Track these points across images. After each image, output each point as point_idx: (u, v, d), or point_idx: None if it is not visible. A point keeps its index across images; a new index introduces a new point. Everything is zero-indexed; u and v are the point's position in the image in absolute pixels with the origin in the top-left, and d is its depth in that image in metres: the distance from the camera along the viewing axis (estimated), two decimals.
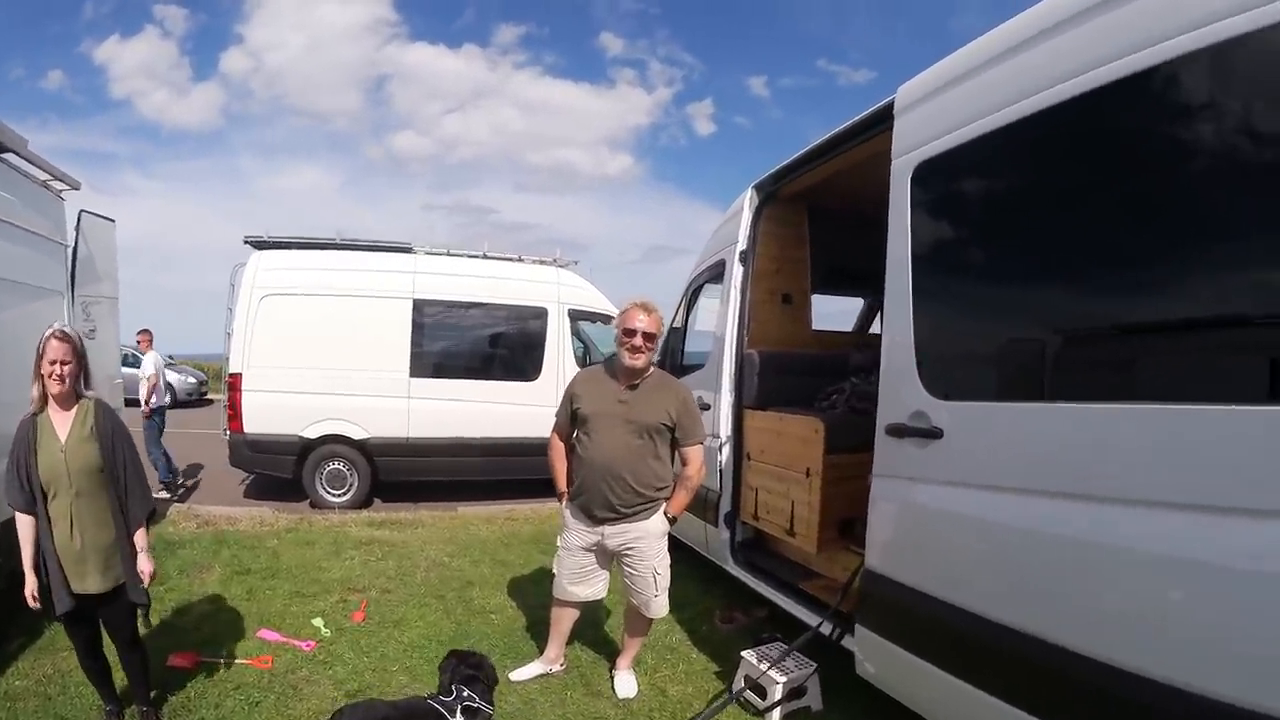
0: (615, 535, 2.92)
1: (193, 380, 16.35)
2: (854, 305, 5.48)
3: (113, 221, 5.76)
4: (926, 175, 2.38)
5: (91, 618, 2.49)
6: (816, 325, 4.61)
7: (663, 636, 3.64)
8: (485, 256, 7.49)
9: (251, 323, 6.53)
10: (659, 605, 3.03)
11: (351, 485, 6.81)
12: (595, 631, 3.68)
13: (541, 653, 3.31)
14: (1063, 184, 2.01)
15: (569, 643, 3.32)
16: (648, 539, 2.93)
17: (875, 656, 2.53)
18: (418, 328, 6.92)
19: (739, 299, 4.05)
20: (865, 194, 3.57)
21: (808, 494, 3.43)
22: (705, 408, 3.97)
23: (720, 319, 4.20)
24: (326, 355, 6.59)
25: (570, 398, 2.99)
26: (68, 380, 2.35)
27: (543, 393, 7.01)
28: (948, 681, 2.13)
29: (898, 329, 2.44)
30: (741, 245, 4.05)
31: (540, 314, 7.36)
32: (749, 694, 2.96)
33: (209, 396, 16.22)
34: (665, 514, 2.95)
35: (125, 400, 6.12)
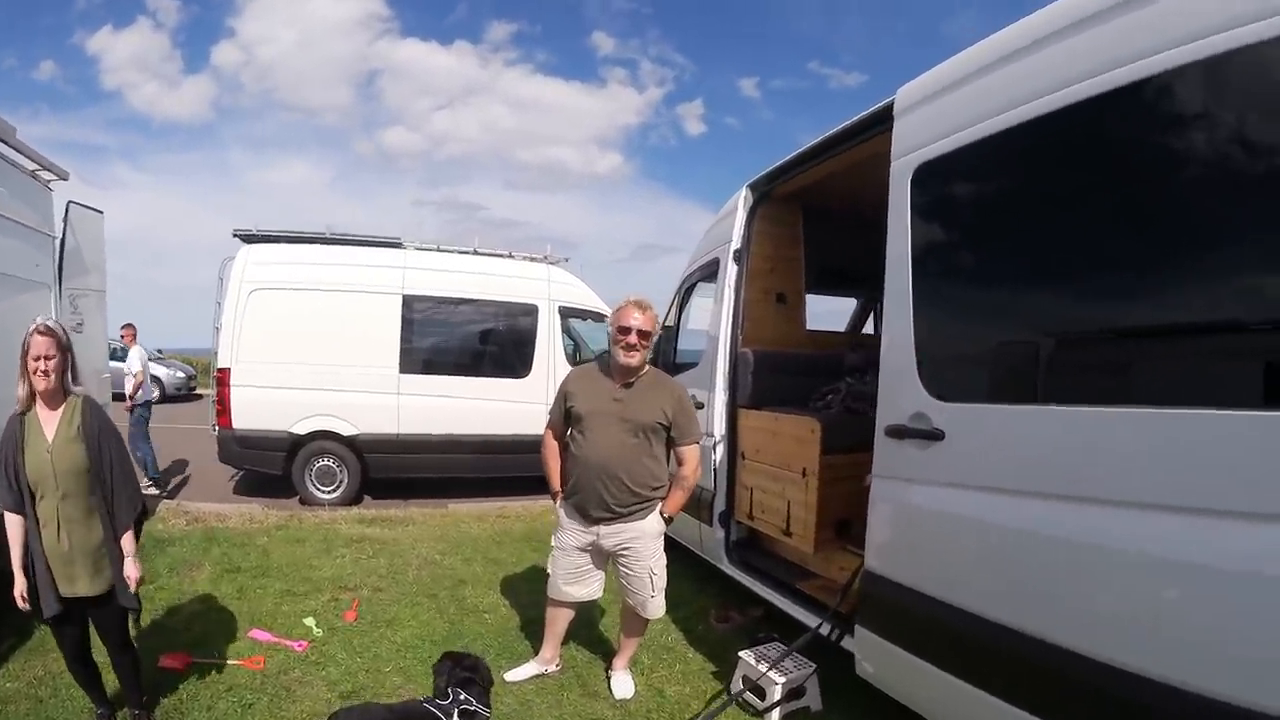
0: (611, 535, 2.90)
1: (181, 375, 16.20)
2: (845, 305, 5.51)
3: (101, 213, 5.68)
4: (926, 177, 2.38)
5: (80, 620, 2.45)
6: (810, 325, 4.62)
7: (658, 636, 3.63)
8: (476, 252, 7.44)
9: (240, 317, 6.45)
10: (655, 606, 3.01)
11: (341, 482, 6.76)
12: (590, 631, 3.67)
13: (536, 653, 3.30)
14: (1062, 189, 2.03)
15: (564, 643, 3.31)
16: (644, 539, 2.91)
17: (875, 657, 2.54)
18: (407, 323, 6.87)
19: (733, 298, 4.05)
20: (862, 195, 3.57)
21: (804, 494, 3.44)
22: (700, 406, 3.95)
23: (714, 318, 4.20)
24: (316, 350, 6.53)
25: (564, 395, 2.96)
26: (54, 376, 2.30)
27: (533, 389, 7.03)
28: (947, 681, 2.14)
29: (897, 330, 2.44)
30: (736, 244, 4.05)
31: (531, 311, 7.33)
32: (748, 695, 2.96)
33: (198, 391, 16.05)
34: (661, 514, 2.93)
35: (113, 395, 6.05)
